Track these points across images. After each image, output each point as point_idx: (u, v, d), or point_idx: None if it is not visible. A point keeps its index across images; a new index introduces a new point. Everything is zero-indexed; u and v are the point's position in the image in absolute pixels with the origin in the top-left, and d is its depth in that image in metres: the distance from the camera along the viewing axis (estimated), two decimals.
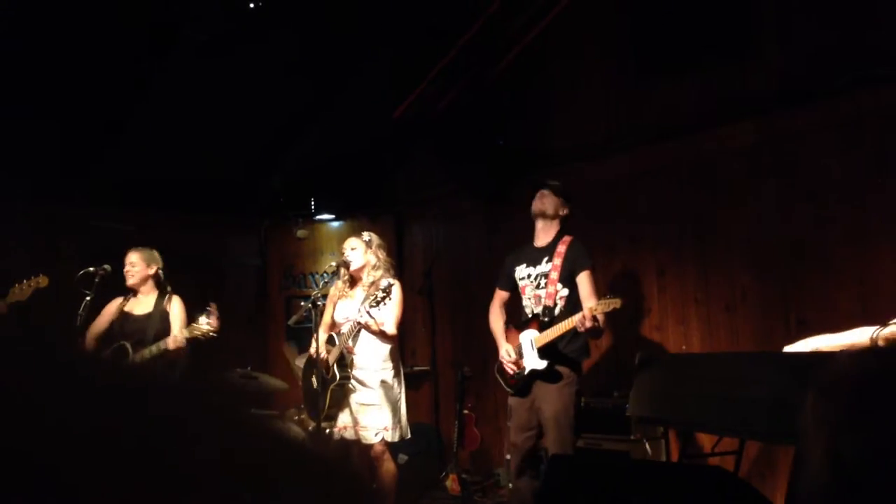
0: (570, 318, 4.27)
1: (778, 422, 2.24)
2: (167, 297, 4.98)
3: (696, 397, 2.80)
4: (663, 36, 5.42)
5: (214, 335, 4.57)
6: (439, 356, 7.02)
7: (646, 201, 5.57)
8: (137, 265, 4.95)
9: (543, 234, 4.69)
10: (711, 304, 5.19)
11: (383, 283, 4.52)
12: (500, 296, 4.91)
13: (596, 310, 4.16)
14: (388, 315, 4.61)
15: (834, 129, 4.61)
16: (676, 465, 4.18)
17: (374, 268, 4.75)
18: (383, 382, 4.61)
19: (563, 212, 4.68)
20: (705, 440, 4.68)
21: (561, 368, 4.43)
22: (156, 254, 5.04)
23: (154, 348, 4.63)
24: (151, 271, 4.97)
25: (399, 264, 6.42)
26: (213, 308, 4.57)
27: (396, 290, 4.57)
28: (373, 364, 4.62)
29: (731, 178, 5.11)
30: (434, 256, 7.04)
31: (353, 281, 4.84)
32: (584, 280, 4.48)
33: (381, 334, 4.59)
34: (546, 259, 4.59)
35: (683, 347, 5.30)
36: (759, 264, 4.92)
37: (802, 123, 4.74)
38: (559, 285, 4.50)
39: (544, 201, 4.66)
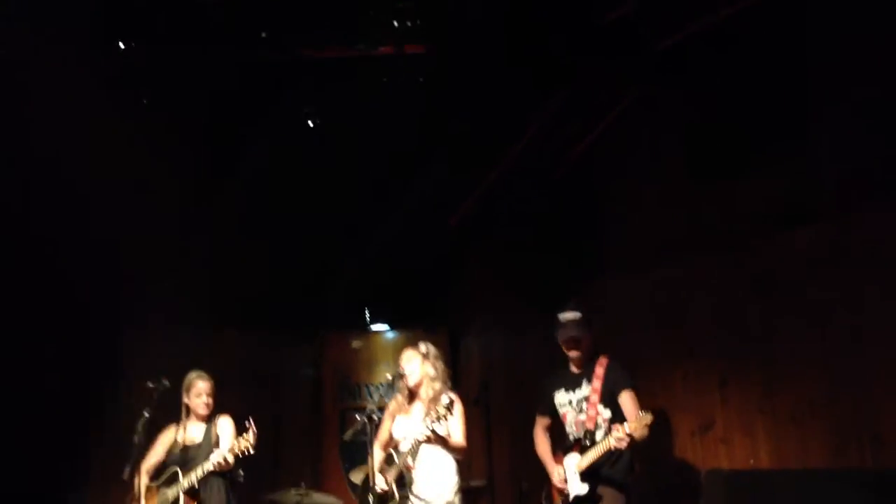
0: (606, 440, 4.30)
1: None
2: (215, 418, 5.08)
3: None
4: (716, 142, 5.39)
5: (252, 452, 4.57)
6: (496, 471, 6.79)
7: (704, 310, 5.43)
8: (211, 396, 5.07)
9: (577, 359, 4.76)
10: (778, 416, 4.96)
11: (444, 398, 4.45)
12: (542, 422, 5.01)
13: (629, 429, 4.19)
14: (455, 427, 4.54)
15: None
16: None
17: (433, 380, 4.71)
18: (446, 500, 4.49)
19: (588, 335, 4.74)
20: None
21: (604, 491, 4.42)
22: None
23: (200, 470, 4.67)
24: (214, 399, 5.09)
25: (455, 375, 6.33)
26: (251, 425, 4.59)
27: (458, 406, 4.51)
28: (435, 481, 4.52)
29: (793, 284, 4.96)
30: (490, 368, 6.94)
31: (412, 395, 4.78)
32: (626, 400, 4.54)
33: (452, 446, 4.51)
34: (585, 382, 4.63)
35: (751, 461, 5.05)
36: (828, 375, 4.72)
37: (869, 226, 4.60)
38: (600, 406, 4.53)
39: (580, 350, 4.72)
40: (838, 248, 4.74)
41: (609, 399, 4.57)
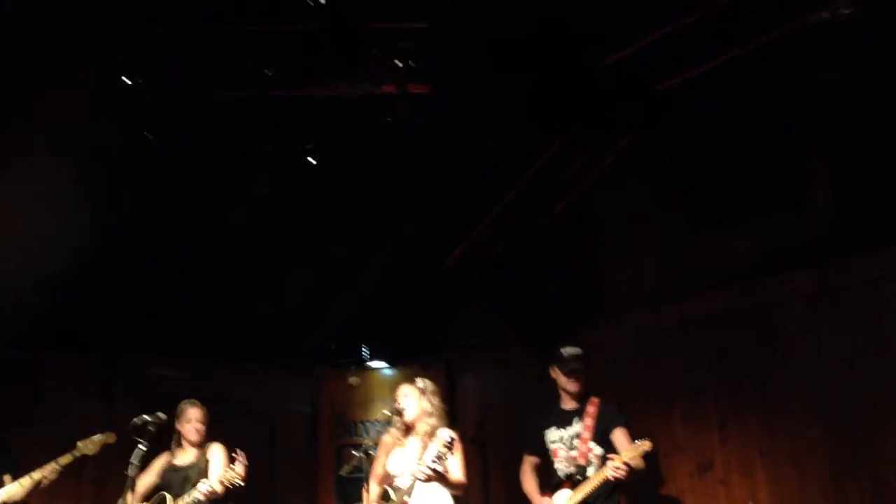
0: (601, 472, 4.34)
1: None
2: (207, 445, 5.11)
3: None
4: (716, 185, 5.45)
5: (241, 484, 4.61)
6: None
7: (703, 350, 5.44)
8: (203, 423, 5.11)
9: (575, 394, 4.83)
10: (778, 457, 4.95)
11: (443, 434, 4.43)
12: (530, 461, 5.07)
13: (626, 458, 4.24)
14: (454, 464, 4.53)
15: None
16: None
17: (429, 415, 4.70)
18: None
19: (588, 371, 4.87)
20: None
21: None
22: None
23: (188, 497, 4.70)
24: (207, 427, 5.14)
25: (452, 412, 6.31)
26: (239, 455, 4.65)
27: (456, 443, 4.50)
28: None
29: (792, 327, 4.98)
30: (487, 405, 6.91)
31: (408, 429, 4.77)
32: (620, 436, 4.61)
33: (445, 481, 4.49)
34: (576, 419, 4.69)
35: (750, 503, 5.03)
36: (828, 417, 4.71)
37: (867, 271, 4.64)
38: (591, 443, 4.58)
39: (580, 381, 4.82)
40: (837, 291, 4.78)
41: (601, 437, 4.63)
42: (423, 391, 4.78)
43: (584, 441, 4.59)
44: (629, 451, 4.28)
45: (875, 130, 4.69)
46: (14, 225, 5.34)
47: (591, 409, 4.72)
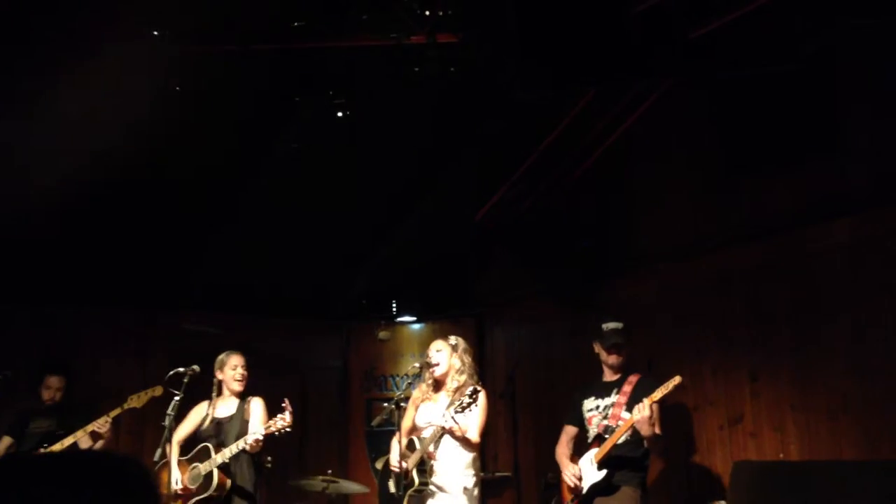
0: (629, 418, 4.44)
1: None
2: (248, 398, 5.13)
3: None
4: (750, 134, 5.35)
5: (289, 430, 4.68)
6: (522, 462, 6.79)
7: (737, 303, 5.38)
8: (245, 369, 5.15)
9: (617, 365, 4.91)
10: (810, 410, 4.91)
11: (469, 388, 4.45)
12: (568, 432, 5.11)
13: (656, 397, 4.33)
14: (473, 422, 4.54)
15: None
16: None
17: (459, 372, 4.72)
18: (465, 489, 4.48)
19: (628, 344, 4.95)
20: None
21: (621, 477, 4.55)
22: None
23: (234, 447, 4.74)
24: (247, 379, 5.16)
25: (480, 367, 6.34)
26: (287, 404, 4.69)
27: (482, 397, 4.51)
28: (455, 470, 4.52)
29: (828, 279, 4.90)
30: (517, 360, 6.93)
31: (437, 385, 4.80)
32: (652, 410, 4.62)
33: (465, 441, 4.51)
34: (615, 391, 4.76)
35: (781, 455, 5.00)
36: (862, 369, 4.65)
37: None
38: (624, 411, 4.62)
39: (621, 356, 4.90)
40: (872, 241, 4.68)
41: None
42: (454, 348, 4.80)
43: (619, 406, 4.64)
44: (662, 389, 4.35)
45: None
46: (49, 180, 5.41)
47: (629, 385, 4.79)
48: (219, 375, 5.15)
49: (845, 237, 4.81)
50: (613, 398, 4.74)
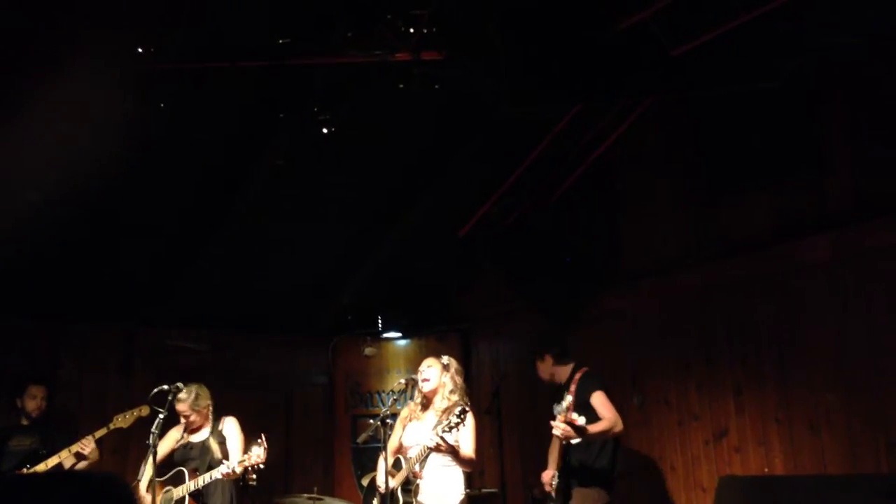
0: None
1: None
2: (220, 420, 5.12)
3: None
4: (732, 151, 5.39)
5: (262, 466, 4.66)
6: (508, 477, 6.79)
7: (720, 317, 5.43)
8: (191, 414, 5.05)
9: (561, 375, 5.21)
10: (794, 424, 4.94)
11: (457, 408, 4.45)
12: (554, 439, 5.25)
13: (564, 417, 4.56)
14: (465, 438, 4.54)
15: None
16: None
17: (451, 392, 4.72)
18: None
19: (550, 360, 5.26)
20: None
21: (579, 482, 4.88)
22: (203, 391, 5.13)
23: (208, 476, 4.75)
24: (205, 411, 5.10)
25: (466, 382, 6.34)
26: (262, 440, 4.66)
27: (470, 417, 4.51)
28: (440, 490, 4.51)
29: (809, 293, 4.94)
30: (502, 375, 6.93)
31: (426, 404, 4.79)
32: (595, 401, 4.89)
33: (460, 457, 4.50)
34: (566, 393, 4.93)
35: (766, 470, 5.03)
36: (845, 383, 4.69)
37: (885, 237, 4.59)
38: (574, 414, 4.72)
39: (537, 367, 5.36)
40: (853, 257, 4.73)
41: (583, 406, 4.82)
42: (446, 367, 4.82)
43: (570, 411, 4.71)
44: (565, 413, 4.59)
45: (894, 96, 4.62)
46: (33, 195, 5.38)
47: (575, 380, 5.01)
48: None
49: (826, 252, 4.85)
50: (568, 399, 4.84)
